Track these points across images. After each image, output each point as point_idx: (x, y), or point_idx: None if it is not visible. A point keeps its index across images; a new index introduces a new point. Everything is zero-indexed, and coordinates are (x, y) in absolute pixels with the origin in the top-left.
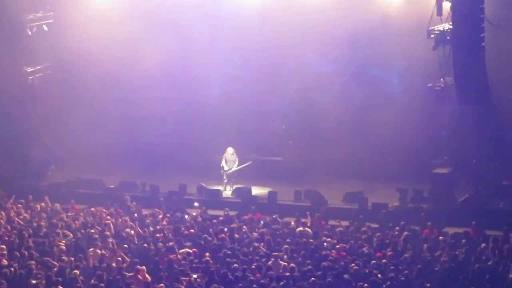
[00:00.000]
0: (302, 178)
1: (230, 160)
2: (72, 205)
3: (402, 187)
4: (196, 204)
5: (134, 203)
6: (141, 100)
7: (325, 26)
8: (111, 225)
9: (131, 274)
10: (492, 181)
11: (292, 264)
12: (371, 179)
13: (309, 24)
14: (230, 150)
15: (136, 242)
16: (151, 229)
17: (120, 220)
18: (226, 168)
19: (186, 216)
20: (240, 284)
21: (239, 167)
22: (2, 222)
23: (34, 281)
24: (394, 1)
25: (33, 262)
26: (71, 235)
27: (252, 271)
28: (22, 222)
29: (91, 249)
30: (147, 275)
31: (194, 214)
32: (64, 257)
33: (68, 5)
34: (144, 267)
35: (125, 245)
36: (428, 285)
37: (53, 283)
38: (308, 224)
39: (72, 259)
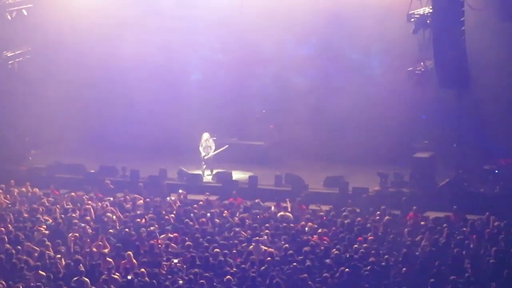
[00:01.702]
0: (282, 163)
1: (206, 146)
2: (52, 190)
3: (383, 172)
4: (180, 191)
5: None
6: (120, 85)
7: (304, 9)
8: (92, 210)
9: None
10: (473, 165)
11: (272, 249)
12: (352, 163)
13: (288, 7)
14: (205, 135)
15: (118, 227)
16: (132, 213)
17: (100, 204)
18: (203, 154)
19: (168, 198)
20: (221, 269)
21: (216, 151)
22: None
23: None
24: None
25: (12, 247)
26: (50, 220)
27: (233, 256)
28: (3, 207)
29: (71, 234)
30: (134, 260)
31: (173, 198)
32: (47, 242)
33: None
34: (130, 252)
35: (110, 230)
36: (404, 269)
37: (33, 268)
38: (289, 209)
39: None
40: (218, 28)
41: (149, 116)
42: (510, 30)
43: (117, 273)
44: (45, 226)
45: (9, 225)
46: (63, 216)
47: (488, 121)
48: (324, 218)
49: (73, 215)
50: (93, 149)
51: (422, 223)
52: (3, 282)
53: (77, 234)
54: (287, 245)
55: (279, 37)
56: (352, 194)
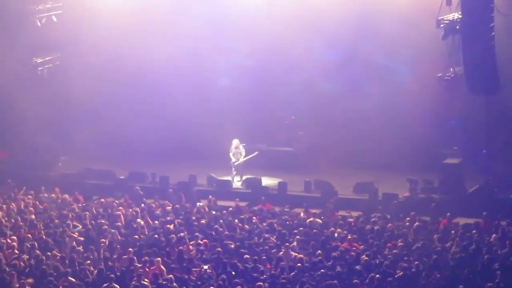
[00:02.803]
0: (312, 169)
1: (236, 152)
2: (76, 196)
3: (412, 178)
4: (210, 197)
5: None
6: (150, 92)
7: (333, 15)
8: (122, 216)
9: (141, 265)
10: (502, 171)
11: (302, 255)
12: (381, 169)
13: (317, 13)
14: (235, 142)
15: (147, 233)
16: (161, 220)
17: (130, 211)
18: (233, 160)
19: (199, 204)
20: (251, 275)
21: (246, 158)
22: (13, 213)
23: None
24: None
25: (41, 253)
26: (80, 226)
27: (262, 262)
28: (33, 214)
29: (102, 240)
30: (162, 267)
31: (203, 204)
32: (78, 248)
33: None
34: (159, 258)
35: (136, 236)
36: (438, 275)
37: (62, 274)
38: (319, 215)
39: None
40: (247, 34)
41: (179, 122)
42: None
43: (146, 280)
44: (77, 233)
45: (39, 231)
46: (93, 222)
47: None
48: (352, 224)
49: (103, 221)
50: (122, 155)
51: (452, 231)
52: None
53: (107, 240)
54: (317, 251)
55: (308, 43)
56: (381, 200)
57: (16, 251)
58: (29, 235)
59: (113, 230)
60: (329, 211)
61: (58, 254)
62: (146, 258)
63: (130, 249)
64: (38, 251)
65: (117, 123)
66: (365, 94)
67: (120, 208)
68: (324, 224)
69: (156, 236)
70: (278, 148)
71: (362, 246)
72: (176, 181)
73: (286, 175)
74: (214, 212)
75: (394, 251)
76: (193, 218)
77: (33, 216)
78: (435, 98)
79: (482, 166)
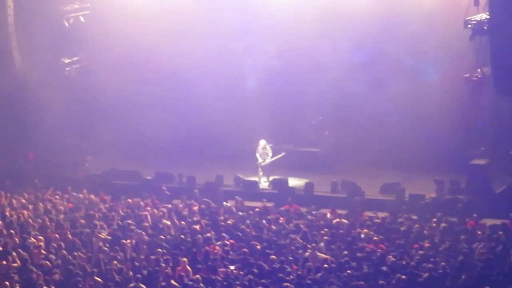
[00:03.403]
0: (338, 169)
1: (263, 153)
2: (101, 196)
3: (439, 178)
4: (237, 198)
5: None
6: (178, 92)
7: (360, 15)
8: (149, 216)
9: (168, 265)
10: None
11: (329, 256)
12: (408, 170)
13: (344, 14)
14: (262, 143)
15: (173, 233)
16: (188, 220)
17: (157, 211)
18: (260, 160)
19: (225, 203)
20: (278, 276)
21: (273, 158)
22: (40, 213)
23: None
24: None
25: (68, 253)
26: (106, 226)
27: (289, 263)
28: (60, 214)
29: (128, 241)
30: (188, 267)
31: (230, 205)
32: (105, 248)
33: None
34: (185, 259)
35: (162, 236)
36: (463, 277)
37: (88, 274)
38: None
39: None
40: (274, 34)
41: (205, 122)
42: None
43: (172, 281)
44: (104, 234)
45: (66, 232)
46: (120, 222)
47: None
48: (379, 225)
49: (130, 221)
50: (149, 155)
51: (478, 232)
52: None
53: (133, 241)
54: (344, 252)
55: (335, 43)
56: (408, 201)
57: (43, 251)
58: (56, 235)
59: (139, 231)
60: (356, 212)
61: (85, 255)
62: (168, 257)
63: (159, 249)
64: (64, 251)
65: (144, 123)
66: (391, 94)
67: (148, 208)
68: (350, 225)
69: (182, 236)
70: (304, 149)
71: (388, 247)
72: (203, 181)
73: (312, 175)
74: (240, 213)
75: (421, 252)
76: (221, 218)
77: (60, 216)
78: (462, 98)
79: (509, 167)
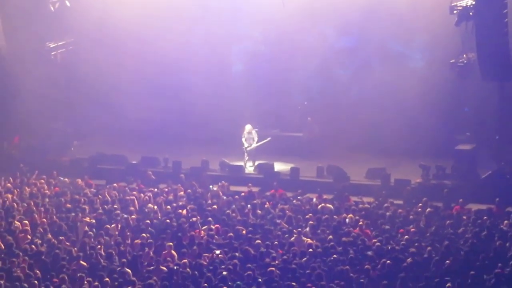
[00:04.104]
0: (324, 154)
1: (248, 138)
2: (86, 180)
3: (425, 164)
4: (222, 182)
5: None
6: (164, 77)
7: (346, 1)
8: (135, 201)
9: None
10: None
11: (314, 241)
12: (393, 155)
13: (331, 0)
14: (248, 127)
15: (159, 218)
16: (174, 205)
17: (143, 196)
18: (246, 145)
19: (211, 187)
20: (263, 260)
21: (259, 143)
22: (26, 198)
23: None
24: None
25: (54, 237)
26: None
27: (274, 247)
28: (45, 198)
29: (113, 225)
30: (173, 252)
31: (215, 189)
32: (90, 232)
33: None
34: (171, 243)
35: (148, 221)
36: (447, 262)
37: (74, 258)
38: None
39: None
40: (260, 20)
41: (192, 107)
42: None
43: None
44: (88, 218)
45: (52, 216)
46: (105, 207)
47: None
48: (364, 209)
49: (115, 206)
50: (135, 140)
51: (464, 217)
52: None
53: (119, 225)
54: (330, 236)
55: (321, 29)
56: (394, 186)
57: (29, 236)
58: (42, 219)
59: (125, 215)
60: (343, 197)
61: (70, 239)
62: (153, 241)
63: (144, 234)
64: (50, 235)
65: (130, 108)
66: (378, 80)
67: (134, 193)
68: (335, 210)
69: (168, 221)
70: (290, 134)
71: (374, 232)
72: (189, 166)
73: (298, 160)
74: (225, 197)
75: (406, 237)
76: (208, 202)
77: (46, 200)
78: (448, 84)
79: (494, 152)
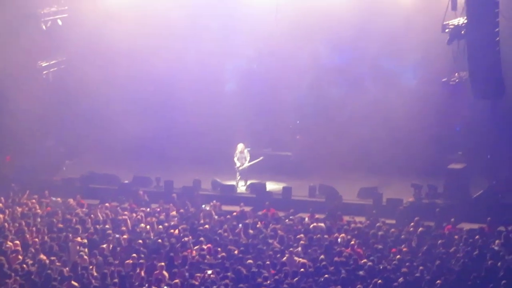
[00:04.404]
0: (316, 173)
1: (241, 157)
2: (78, 199)
3: (417, 183)
4: (214, 202)
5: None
6: (157, 95)
7: (339, 19)
8: (128, 221)
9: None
10: (507, 176)
11: (306, 260)
12: (386, 174)
13: (323, 17)
14: (240, 146)
15: (152, 237)
16: (166, 224)
17: (135, 215)
18: (238, 164)
19: (204, 206)
20: (255, 280)
21: (251, 163)
22: (17, 217)
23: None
24: None
25: (46, 257)
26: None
27: (266, 267)
28: (38, 218)
29: (104, 245)
30: (164, 272)
31: (208, 209)
32: (82, 253)
33: None
34: (162, 263)
35: (140, 241)
36: (438, 282)
37: (65, 278)
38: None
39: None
40: (253, 38)
41: (184, 126)
42: None
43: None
44: (79, 238)
45: (43, 236)
46: (97, 227)
47: None
48: (356, 229)
49: (107, 226)
50: (127, 158)
51: (456, 236)
52: None
53: (110, 245)
54: (321, 256)
55: (314, 47)
56: (386, 206)
57: (20, 256)
58: (33, 239)
59: (117, 235)
60: (336, 216)
61: (62, 259)
62: (144, 262)
63: (134, 254)
64: (42, 255)
65: (123, 127)
66: (370, 98)
67: (125, 212)
68: (327, 229)
69: (160, 241)
70: (282, 153)
71: (366, 252)
72: (181, 185)
73: (290, 180)
74: (216, 217)
75: (398, 256)
76: (199, 222)
77: (37, 220)
78: (440, 103)
79: (486, 172)
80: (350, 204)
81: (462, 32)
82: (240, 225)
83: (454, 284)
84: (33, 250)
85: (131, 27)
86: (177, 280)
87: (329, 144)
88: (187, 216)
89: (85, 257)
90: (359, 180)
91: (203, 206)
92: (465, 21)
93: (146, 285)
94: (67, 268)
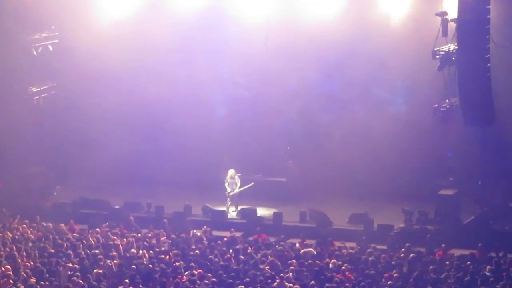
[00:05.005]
0: (307, 199)
1: (231, 182)
2: (72, 225)
3: (407, 209)
4: (205, 227)
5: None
6: (147, 121)
7: (329, 46)
8: (120, 246)
9: None
10: (498, 202)
11: (297, 286)
12: (376, 200)
13: (313, 44)
14: (230, 172)
15: (144, 262)
16: (156, 250)
17: (125, 240)
18: (228, 190)
19: (194, 231)
20: None
21: (242, 188)
22: (8, 242)
23: None
24: (399, 22)
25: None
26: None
27: None
28: (29, 242)
29: (95, 270)
30: None
31: (198, 234)
32: (73, 277)
33: (73, 25)
34: None
35: (133, 266)
36: None
37: None
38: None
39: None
40: (242, 64)
41: (174, 152)
42: None
43: None
44: (70, 263)
45: (34, 261)
46: (88, 252)
47: None
48: (343, 253)
49: (97, 251)
50: (118, 184)
51: (446, 262)
52: None
53: (101, 271)
54: (312, 282)
55: (303, 73)
56: (376, 231)
57: (11, 281)
58: (24, 264)
59: (108, 261)
60: (327, 242)
61: (52, 284)
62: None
63: (126, 280)
64: (33, 280)
65: (113, 152)
66: (360, 124)
67: (115, 238)
68: (318, 255)
69: (150, 266)
70: (273, 179)
71: (357, 277)
72: (171, 210)
73: (281, 205)
74: (205, 242)
75: (390, 282)
76: (190, 247)
77: (29, 245)
78: (430, 129)
79: (477, 198)
80: (341, 229)
81: (453, 58)
82: (231, 250)
83: None
84: (24, 275)
85: (121, 53)
86: None
87: (319, 169)
88: (178, 242)
89: (78, 281)
90: (350, 205)
91: (194, 231)
92: (456, 47)
93: None
94: None
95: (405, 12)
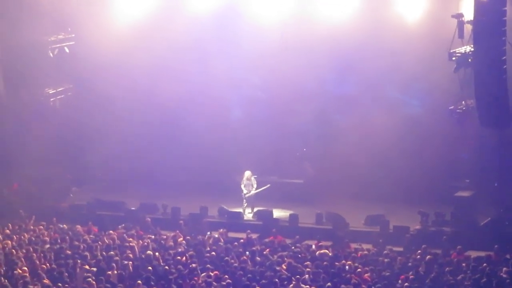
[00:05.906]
0: (323, 201)
1: (247, 184)
2: (90, 226)
3: (424, 210)
4: (221, 230)
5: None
6: (163, 123)
7: (346, 48)
8: (135, 248)
9: None
10: None
11: None
12: (392, 201)
13: (329, 45)
14: (247, 174)
15: (161, 264)
16: (173, 251)
17: (141, 242)
18: (245, 191)
19: (210, 233)
20: None
21: (258, 190)
22: (24, 244)
23: None
24: (415, 24)
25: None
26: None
27: None
28: (46, 244)
29: (110, 272)
30: None
31: (216, 236)
32: (89, 279)
33: (89, 26)
34: None
35: (149, 267)
36: None
37: None
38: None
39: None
40: (259, 65)
41: (191, 153)
42: None
43: None
44: (87, 265)
45: (51, 262)
46: (104, 253)
47: None
48: (359, 255)
49: (113, 252)
50: (134, 185)
51: (463, 264)
52: None
53: (117, 272)
54: (328, 284)
55: (319, 74)
56: (393, 233)
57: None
58: (41, 265)
59: (125, 262)
60: (344, 244)
61: (69, 286)
62: None
63: (140, 281)
64: (48, 281)
65: (129, 153)
66: (376, 126)
67: (131, 239)
68: (334, 256)
69: (166, 267)
70: (289, 180)
71: (373, 279)
72: (188, 212)
73: (297, 207)
74: (222, 244)
75: (406, 284)
76: (206, 249)
77: (45, 247)
78: (447, 131)
79: (494, 199)
80: (357, 231)
81: (469, 60)
82: (247, 252)
83: None
84: (41, 277)
85: (137, 54)
86: None
87: (335, 171)
88: (194, 243)
89: (93, 282)
90: (366, 207)
91: (210, 233)
92: (472, 49)
93: None
94: None
95: (421, 13)
